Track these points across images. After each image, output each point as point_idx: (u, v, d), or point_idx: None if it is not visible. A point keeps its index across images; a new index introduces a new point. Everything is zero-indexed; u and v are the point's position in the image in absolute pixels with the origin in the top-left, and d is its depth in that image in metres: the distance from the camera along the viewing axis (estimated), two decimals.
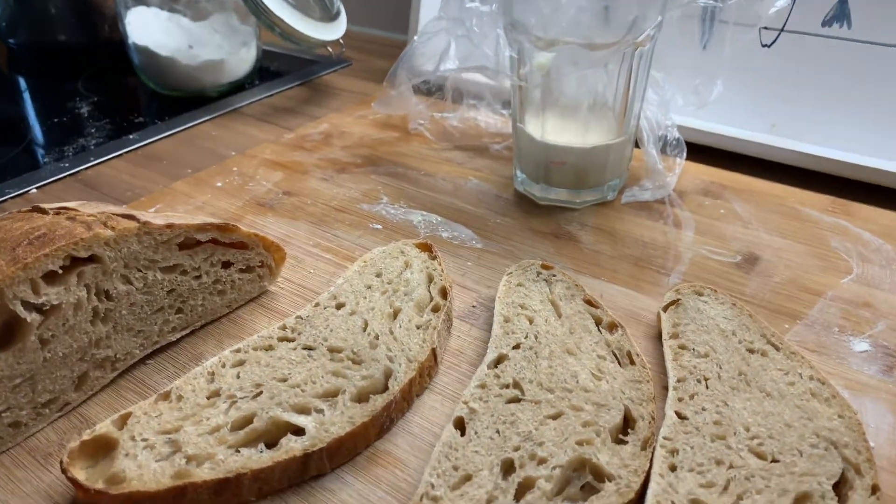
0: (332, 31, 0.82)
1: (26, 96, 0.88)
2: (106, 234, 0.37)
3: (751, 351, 0.41)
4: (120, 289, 0.39)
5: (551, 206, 0.58)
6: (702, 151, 0.65)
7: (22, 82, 0.92)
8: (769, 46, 0.69)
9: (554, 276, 0.47)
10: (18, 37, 0.94)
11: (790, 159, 0.64)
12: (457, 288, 0.49)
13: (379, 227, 0.56)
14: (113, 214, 0.39)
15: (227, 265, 0.45)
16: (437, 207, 0.58)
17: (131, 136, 0.73)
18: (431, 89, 0.67)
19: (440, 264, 0.48)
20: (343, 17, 0.84)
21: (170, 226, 0.40)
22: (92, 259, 0.38)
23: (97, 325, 0.39)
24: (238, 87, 0.86)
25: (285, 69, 0.94)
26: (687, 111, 0.60)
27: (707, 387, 0.38)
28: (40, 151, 0.72)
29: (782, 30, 0.66)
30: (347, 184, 0.62)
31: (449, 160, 0.66)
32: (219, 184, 0.62)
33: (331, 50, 0.83)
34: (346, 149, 0.69)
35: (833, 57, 0.63)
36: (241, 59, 0.85)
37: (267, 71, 0.94)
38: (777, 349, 0.41)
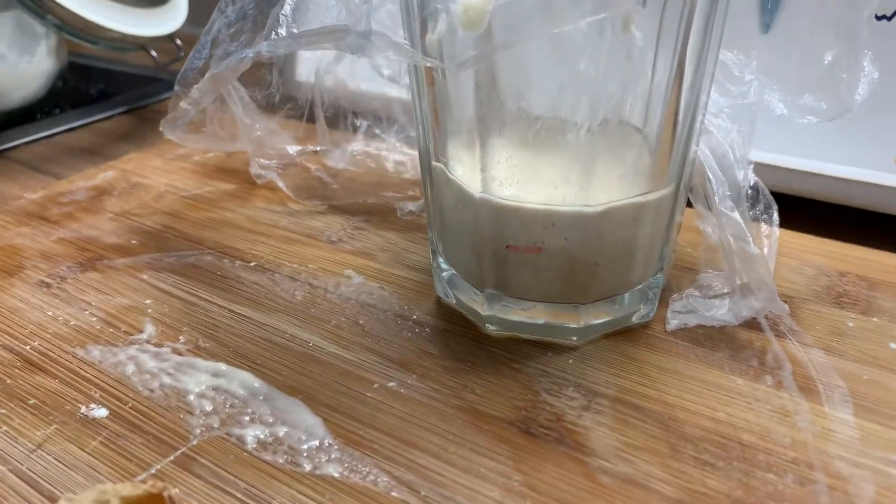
0: (158, 22, 0.51)
1: None
2: None
3: None
4: None
5: (512, 341, 0.26)
6: (790, 207, 0.34)
7: None
8: (889, 19, 0.39)
9: None
10: None
11: None
12: None
13: (103, 412, 0.23)
14: None
15: None
16: (260, 351, 0.26)
17: None
18: (277, 101, 0.35)
19: None
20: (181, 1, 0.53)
21: None
22: None
23: None
24: (21, 116, 0.54)
25: (113, 91, 0.62)
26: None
27: None
28: None
29: None
30: (86, 294, 0.30)
31: (314, 235, 0.34)
32: None
33: (155, 55, 0.52)
34: (124, 217, 0.36)
35: None
36: (22, 75, 0.53)
37: (85, 94, 0.62)
38: None
